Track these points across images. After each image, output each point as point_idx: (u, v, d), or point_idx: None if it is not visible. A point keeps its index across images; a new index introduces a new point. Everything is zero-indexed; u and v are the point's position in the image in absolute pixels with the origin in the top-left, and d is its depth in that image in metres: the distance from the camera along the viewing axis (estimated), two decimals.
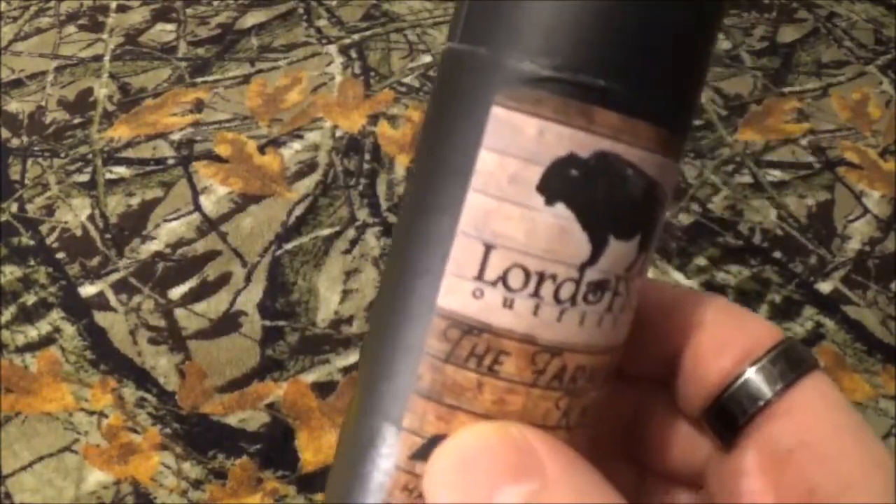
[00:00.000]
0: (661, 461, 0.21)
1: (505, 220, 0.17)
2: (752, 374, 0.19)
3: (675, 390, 0.20)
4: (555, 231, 0.17)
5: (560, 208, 0.17)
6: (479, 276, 0.17)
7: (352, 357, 0.68)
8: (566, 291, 0.17)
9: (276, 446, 0.63)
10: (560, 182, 0.16)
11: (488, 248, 0.17)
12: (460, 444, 0.17)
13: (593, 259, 0.17)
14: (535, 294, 0.17)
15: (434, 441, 0.17)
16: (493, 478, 0.16)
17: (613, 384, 0.19)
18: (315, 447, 0.63)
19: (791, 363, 0.19)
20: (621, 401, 0.21)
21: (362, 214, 0.77)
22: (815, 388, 0.19)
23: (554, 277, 0.17)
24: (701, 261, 0.75)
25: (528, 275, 0.17)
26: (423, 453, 0.17)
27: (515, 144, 0.16)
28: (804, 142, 0.86)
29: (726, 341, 0.19)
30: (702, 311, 0.20)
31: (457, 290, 0.17)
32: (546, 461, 0.17)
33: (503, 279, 0.17)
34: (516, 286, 0.17)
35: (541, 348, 0.17)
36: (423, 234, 0.18)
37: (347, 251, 0.75)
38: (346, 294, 0.72)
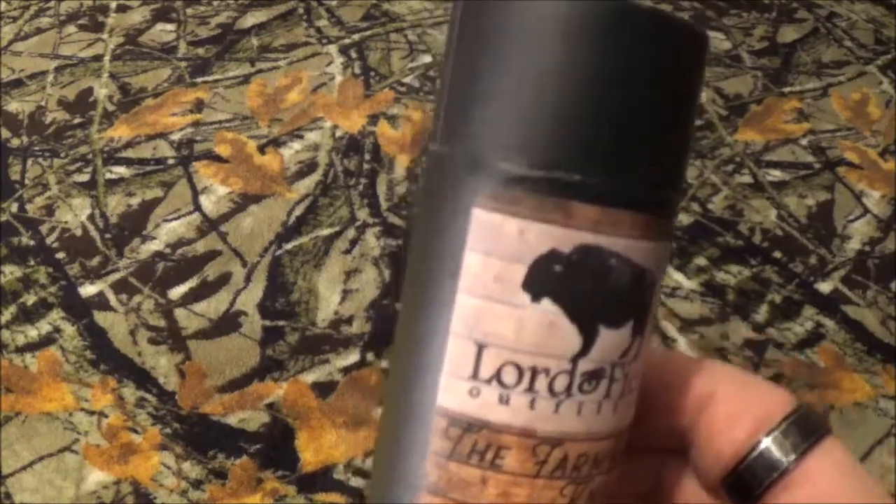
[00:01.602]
0: None
1: (494, 319, 0.17)
2: (766, 445, 0.19)
3: (693, 461, 0.21)
4: (543, 326, 0.17)
5: (546, 304, 0.17)
6: (475, 375, 0.17)
7: (352, 357, 0.68)
8: (560, 384, 0.17)
9: (276, 446, 0.63)
10: (544, 278, 0.17)
11: (480, 348, 0.17)
12: None
13: (585, 350, 0.17)
14: (530, 389, 0.17)
15: None
16: None
17: (623, 465, 0.19)
18: (315, 447, 0.63)
19: (804, 432, 0.19)
20: (641, 472, 0.21)
21: (362, 214, 0.77)
22: (828, 456, 0.19)
23: (547, 371, 0.17)
24: (701, 261, 0.75)
25: (521, 371, 0.17)
26: None
27: (498, 245, 0.17)
28: (804, 142, 0.86)
29: (739, 413, 0.20)
30: (713, 381, 0.20)
31: (454, 390, 0.17)
32: None
33: (497, 377, 0.17)
34: (510, 383, 0.17)
35: (540, 440, 0.17)
36: (419, 336, 0.18)
37: (347, 251, 0.75)
38: (346, 294, 0.72)
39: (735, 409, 0.20)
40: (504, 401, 0.17)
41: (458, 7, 0.18)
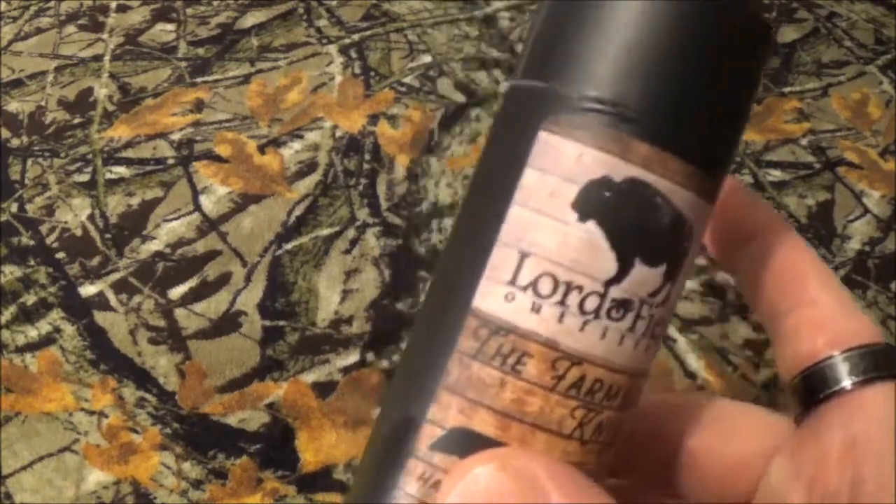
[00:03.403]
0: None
1: (541, 231, 0.18)
2: (836, 360, 0.20)
3: (775, 349, 0.22)
4: (584, 245, 0.18)
5: (591, 225, 0.18)
6: (513, 282, 0.18)
7: (352, 357, 0.68)
8: (591, 304, 0.18)
9: (276, 446, 0.63)
10: (593, 201, 0.18)
11: (523, 257, 0.18)
12: (468, 486, 0.18)
13: (619, 277, 0.18)
14: (562, 302, 0.18)
15: (453, 433, 0.18)
16: None
17: (633, 415, 0.20)
18: (315, 447, 0.63)
19: (877, 364, 0.20)
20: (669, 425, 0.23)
21: (362, 214, 0.77)
22: (889, 394, 0.20)
23: (580, 289, 0.18)
24: (701, 260, 0.76)
25: (556, 283, 0.18)
26: (441, 444, 0.18)
27: (556, 165, 0.18)
28: (804, 142, 0.87)
29: (828, 324, 0.21)
30: (820, 285, 0.21)
31: (491, 294, 0.19)
32: (550, 489, 0.17)
33: (533, 285, 0.18)
34: (545, 292, 0.18)
35: (562, 354, 0.18)
36: (467, 243, 0.19)
37: (347, 251, 0.75)
38: (346, 294, 0.72)
39: (826, 319, 0.21)
40: (536, 309, 0.18)
41: None
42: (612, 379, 0.19)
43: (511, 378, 0.18)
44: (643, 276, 0.19)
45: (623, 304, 0.18)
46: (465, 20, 0.96)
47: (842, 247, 0.78)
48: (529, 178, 0.18)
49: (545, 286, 0.18)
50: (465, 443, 0.18)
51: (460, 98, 0.87)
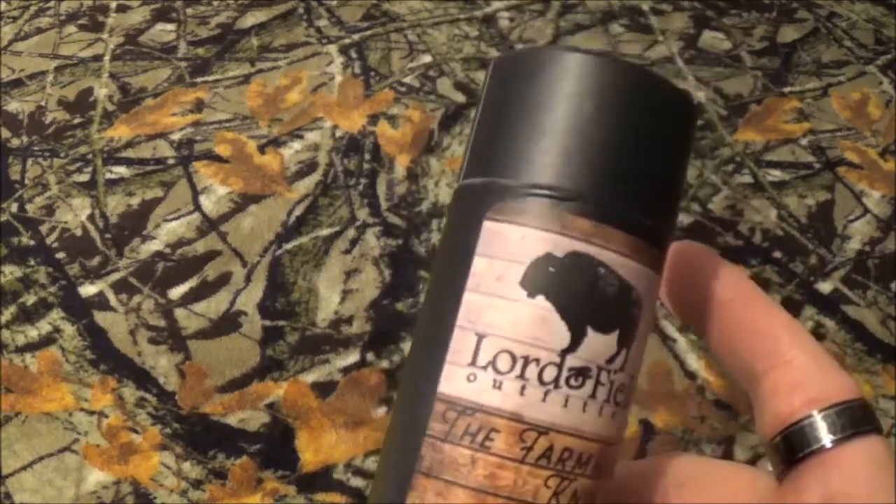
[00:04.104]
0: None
1: (494, 312, 0.19)
2: (815, 419, 0.21)
3: (754, 408, 0.23)
4: (537, 320, 0.19)
5: (540, 300, 0.19)
6: (473, 363, 0.19)
7: (351, 357, 0.68)
8: (549, 374, 0.19)
9: (276, 446, 0.63)
10: (539, 277, 0.19)
11: (480, 338, 0.19)
12: None
13: (573, 346, 0.19)
14: (521, 376, 0.19)
15: None
16: None
17: (609, 483, 0.21)
18: (315, 447, 0.63)
19: (853, 421, 0.21)
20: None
21: (362, 214, 0.77)
22: (867, 448, 0.21)
23: (538, 361, 0.19)
24: None
25: (514, 359, 0.19)
26: None
27: (502, 249, 0.19)
28: (804, 142, 0.87)
29: (805, 383, 0.21)
30: (794, 346, 0.22)
31: (454, 376, 0.19)
32: None
33: (493, 363, 0.19)
34: (504, 369, 0.19)
35: (528, 426, 0.19)
36: (429, 331, 0.20)
37: (347, 251, 0.75)
38: (346, 294, 0.72)
39: (803, 379, 0.21)
40: (497, 385, 0.19)
41: (486, 72, 0.22)
42: (581, 446, 0.19)
43: (481, 454, 0.19)
44: (597, 344, 0.19)
45: (581, 372, 0.19)
46: (465, 20, 0.96)
47: (842, 247, 0.78)
48: (478, 265, 0.20)
49: (504, 363, 0.19)
50: None
51: (460, 98, 0.87)
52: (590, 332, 0.19)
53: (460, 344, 0.19)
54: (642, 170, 0.20)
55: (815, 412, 0.21)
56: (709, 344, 0.23)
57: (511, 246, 0.19)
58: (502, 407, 0.19)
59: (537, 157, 0.20)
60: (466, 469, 0.19)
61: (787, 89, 0.91)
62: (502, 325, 0.19)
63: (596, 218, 0.19)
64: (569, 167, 0.19)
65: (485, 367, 0.19)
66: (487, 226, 0.20)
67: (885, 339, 0.72)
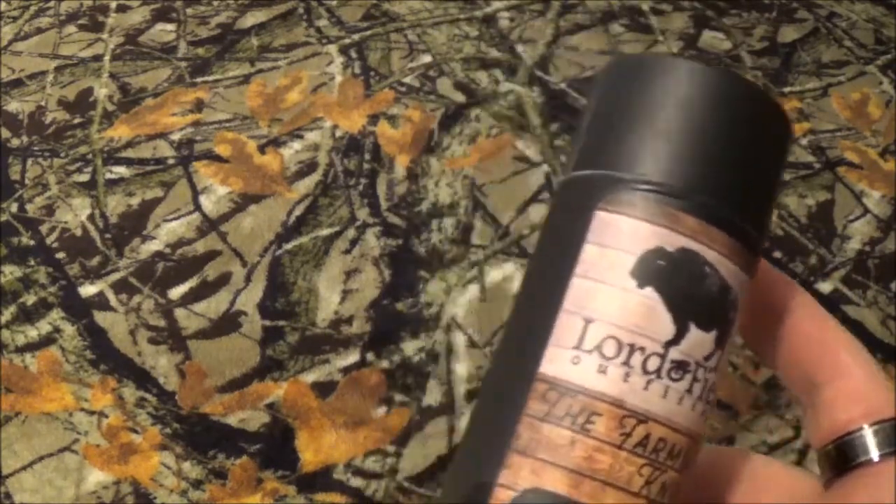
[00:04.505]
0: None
1: (603, 298, 0.20)
2: (868, 432, 0.22)
3: (809, 415, 0.23)
4: (645, 310, 0.20)
5: (649, 291, 0.20)
6: (578, 346, 0.20)
7: (352, 357, 0.68)
8: (653, 364, 0.20)
9: (276, 446, 0.63)
10: (650, 269, 0.20)
11: (587, 323, 0.20)
12: None
13: (677, 339, 0.20)
14: (626, 363, 0.20)
15: (526, 494, 0.19)
16: None
17: (691, 479, 0.21)
18: (315, 447, 0.63)
19: None
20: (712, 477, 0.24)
21: (362, 214, 0.77)
22: None
23: (643, 350, 0.20)
24: None
25: (620, 345, 0.20)
26: None
27: (613, 239, 0.20)
28: (804, 142, 0.86)
29: (862, 395, 0.23)
30: (853, 358, 0.23)
31: (558, 358, 0.20)
32: None
33: (599, 348, 0.20)
34: (610, 354, 0.20)
35: (629, 413, 0.20)
36: (531, 314, 0.21)
37: (347, 251, 0.75)
38: (346, 294, 0.72)
39: (862, 392, 0.22)
40: (602, 370, 0.20)
41: (601, 72, 0.23)
42: (674, 438, 0.20)
43: (581, 437, 0.19)
44: (698, 340, 0.20)
45: (681, 366, 0.20)
46: (465, 20, 0.96)
47: (842, 247, 0.78)
48: (589, 252, 0.20)
49: (610, 348, 0.20)
50: (539, 502, 0.19)
51: (460, 98, 0.87)
52: (692, 327, 0.20)
53: (566, 327, 0.20)
54: (747, 178, 0.21)
55: (866, 425, 0.22)
56: (765, 352, 0.24)
57: (623, 236, 0.20)
58: (606, 391, 0.19)
59: (651, 155, 0.21)
60: (564, 450, 0.19)
61: (787, 89, 0.91)
62: (610, 311, 0.20)
63: (703, 217, 0.20)
64: (681, 167, 0.20)
65: (590, 352, 0.20)
66: (600, 215, 0.20)
67: (885, 339, 0.72)
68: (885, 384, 0.23)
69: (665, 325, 0.20)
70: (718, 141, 0.21)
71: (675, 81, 0.21)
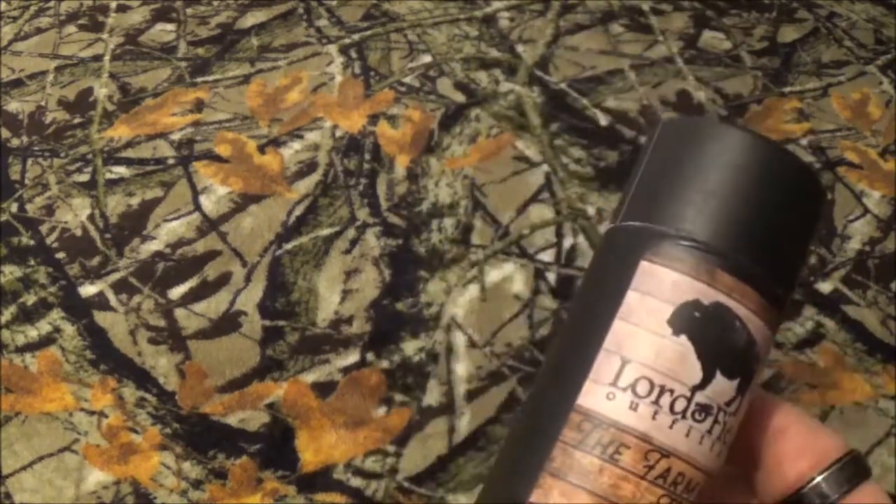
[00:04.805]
0: None
1: (640, 342, 0.22)
2: (820, 479, 0.24)
3: (758, 483, 0.25)
4: (677, 356, 0.22)
5: (683, 339, 0.22)
6: (614, 383, 0.22)
7: (352, 357, 0.68)
8: (679, 405, 0.21)
9: (276, 446, 0.63)
10: (686, 319, 0.22)
11: (624, 363, 0.22)
12: None
13: (703, 384, 0.22)
14: (656, 402, 0.21)
15: None
16: None
17: None
18: (315, 447, 0.64)
19: (851, 474, 0.24)
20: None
21: (362, 214, 0.77)
22: (868, 494, 0.24)
23: (671, 392, 0.21)
24: None
25: (652, 386, 0.21)
26: None
27: (655, 288, 0.22)
28: (804, 142, 0.86)
29: (805, 448, 0.24)
30: (788, 419, 0.25)
31: (595, 392, 0.22)
32: None
33: (633, 387, 0.21)
34: (642, 393, 0.21)
35: (654, 447, 0.21)
36: (573, 350, 0.23)
37: (347, 251, 0.75)
38: (346, 294, 0.72)
39: (803, 445, 0.24)
40: (633, 407, 0.21)
41: (655, 130, 0.25)
42: (692, 474, 0.22)
43: (609, 465, 0.21)
44: (722, 387, 0.22)
45: (705, 409, 0.22)
46: (465, 20, 0.96)
47: (842, 247, 0.78)
48: (632, 298, 0.22)
49: (642, 388, 0.21)
50: None
51: (460, 98, 0.87)
52: (718, 375, 0.22)
53: (604, 364, 0.22)
54: (782, 242, 0.23)
55: (816, 474, 0.24)
56: None
57: (664, 287, 0.22)
58: (636, 427, 0.21)
59: (697, 214, 0.22)
60: (593, 476, 0.21)
61: (787, 89, 0.91)
62: (646, 354, 0.22)
63: (739, 276, 0.22)
64: (723, 227, 0.22)
65: (625, 389, 0.21)
66: (644, 265, 0.22)
67: (885, 339, 0.72)
68: (825, 431, 0.24)
69: (694, 371, 0.22)
70: (759, 206, 0.22)
71: (724, 148, 0.23)
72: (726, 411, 0.22)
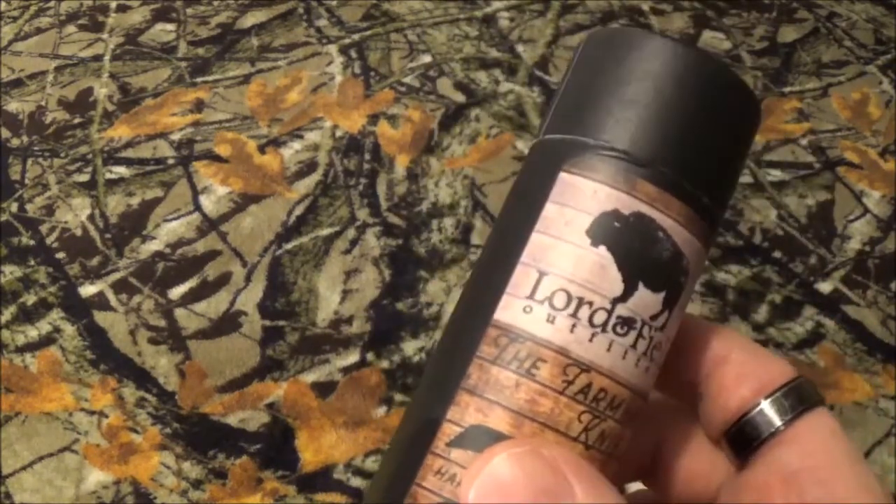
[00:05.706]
0: (683, 481, 0.24)
1: (558, 253, 0.21)
2: (765, 405, 0.22)
3: (701, 413, 0.24)
4: (596, 267, 0.21)
5: (602, 249, 0.21)
6: (531, 296, 0.21)
7: (352, 357, 0.68)
8: (599, 318, 0.21)
9: (276, 446, 0.63)
10: (605, 229, 0.21)
11: (541, 275, 0.21)
12: (497, 470, 0.19)
13: (624, 297, 0.21)
14: (574, 315, 0.21)
15: (471, 430, 0.20)
16: (529, 500, 0.19)
17: (632, 431, 0.22)
18: (315, 447, 0.64)
19: (799, 399, 0.22)
20: (646, 429, 0.24)
21: (362, 214, 0.77)
22: (818, 421, 0.22)
23: (591, 304, 0.21)
24: None
25: (569, 298, 0.21)
26: (459, 441, 0.21)
27: (573, 199, 0.21)
28: (804, 142, 0.87)
29: (747, 374, 0.23)
30: (728, 345, 0.23)
31: (511, 306, 0.21)
32: (574, 483, 0.19)
33: (549, 299, 0.21)
34: (559, 306, 0.21)
35: (572, 362, 0.21)
36: (492, 264, 0.22)
37: (347, 251, 0.75)
38: (346, 294, 0.72)
39: (744, 371, 0.23)
40: (551, 320, 0.21)
41: (581, 43, 0.24)
42: (615, 390, 0.21)
43: (526, 380, 0.20)
44: (646, 300, 0.21)
45: (627, 322, 0.21)
46: (465, 20, 0.96)
47: (842, 247, 0.78)
48: (550, 210, 0.21)
49: (560, 300, 0.21)
50: (482, 439, 0.20)
51: (460, 98, 0.87)
52: (641, 287, 0.21)
53: (521, 278, 0.21)
54: (707, 152, 0.22)
55: (762, 399, 0.22)
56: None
57: (583, 197, 0.21)
58: (552, 340, 0.20)
59: (617, 123, 0.22)
60: (509, 391, 0.20)
61: (787, 89, 0.91)
62: (563, 266, 0.21)
63: (661, 185, 0.21)
64: (644, 136, 0.21)
65: (541, 302, 0.21)
66: (563, 177, 0.22)
67: (885, 339, 0.72)
68: (770, 356, 0.23)
69: (615, 283, 0.21)
70: (682, 115, 0.22)
71: (646, 55, 0.22)
72: (652, 325, 0.21)
